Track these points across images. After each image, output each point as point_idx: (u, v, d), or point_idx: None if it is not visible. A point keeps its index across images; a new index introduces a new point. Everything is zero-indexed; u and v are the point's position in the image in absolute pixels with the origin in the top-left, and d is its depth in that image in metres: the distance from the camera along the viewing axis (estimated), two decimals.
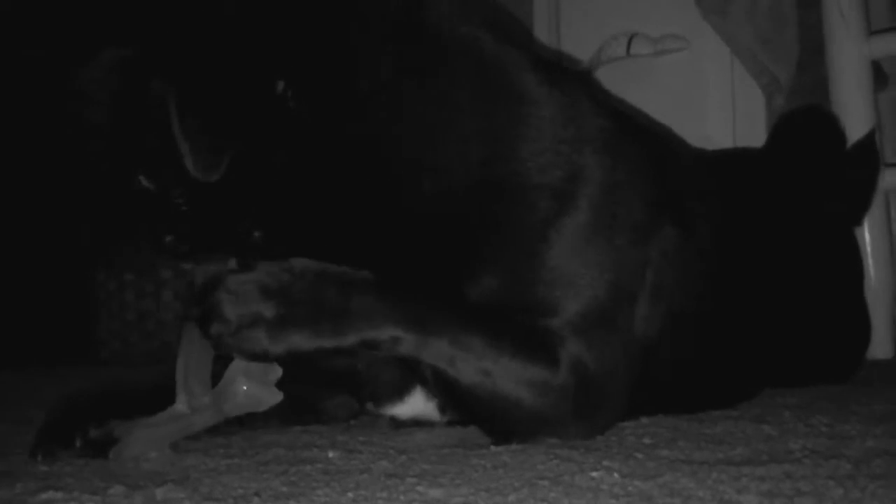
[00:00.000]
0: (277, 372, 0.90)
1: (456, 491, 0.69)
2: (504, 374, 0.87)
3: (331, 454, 0.87)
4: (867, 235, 1.74)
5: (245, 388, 0.89)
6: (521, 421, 0.88)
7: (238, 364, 0.89)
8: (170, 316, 1.93)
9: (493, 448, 0.87)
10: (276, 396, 0.90)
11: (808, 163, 1.28)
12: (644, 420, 1.02)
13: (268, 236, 0.90)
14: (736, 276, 1.13)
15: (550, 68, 0.98)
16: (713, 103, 2.08)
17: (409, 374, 0.96)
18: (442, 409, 1.00)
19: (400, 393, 1.00)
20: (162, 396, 0.93)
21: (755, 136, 1.98)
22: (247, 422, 1.04)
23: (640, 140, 1.03)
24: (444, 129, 0.89)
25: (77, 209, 1.79)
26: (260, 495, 0.70)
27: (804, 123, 1.46)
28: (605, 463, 0.77)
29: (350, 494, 0.69)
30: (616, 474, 0.72)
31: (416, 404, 1.00)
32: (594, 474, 0.72)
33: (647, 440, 0.91)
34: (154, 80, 0.84)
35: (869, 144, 1.50)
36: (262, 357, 0.85)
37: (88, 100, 0.93)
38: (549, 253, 0.89)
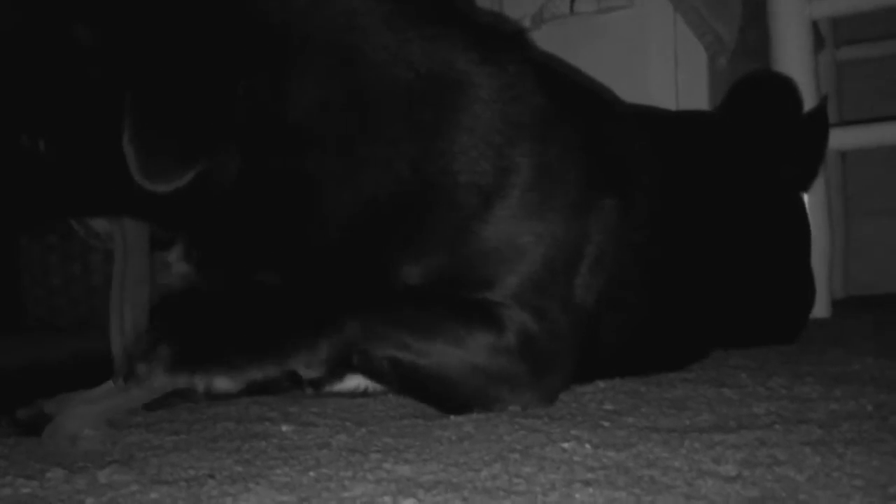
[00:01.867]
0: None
1: (424, 467, 0.66)
2: (459, 347, 0.85)
3: (284, 428, 0.83)
4: (807, 198, 1.76)
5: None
6: (479, 390, 0.86)
7: None
8: (98, 279, 1.84)
9: (453, 418, 0.84)
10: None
11: (763, 127, 1.28)
12: (601, 384, 1.01)
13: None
14: (684, 239, 1.12)
15: (487, 40, 0.93)
16: (656, 63, 2.06)
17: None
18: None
19: (340, 375, 0.96)
20: (95, 367, 0.87)
21: (697, 95, 1.97)
22: (188, 393, 0.99)
23: (579, 111, 1.00)
24: (365, 133, 0.85)
25: None
26: (214, 476, 0.66)
27: (761, 87, 1.45)
28: (574, 432, 0.75)
29: (312, 474, 0.65)
30: (588, 445, 0.70)
31: (358, 380, 0.97)
32: (565, 445, 0.70)
33: (608, 406, 0.89)
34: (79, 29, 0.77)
35: (821, 110, 1.51)
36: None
37: None
38: (480, 239, 0.88)
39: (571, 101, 1.00)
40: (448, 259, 0.88)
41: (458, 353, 0.85)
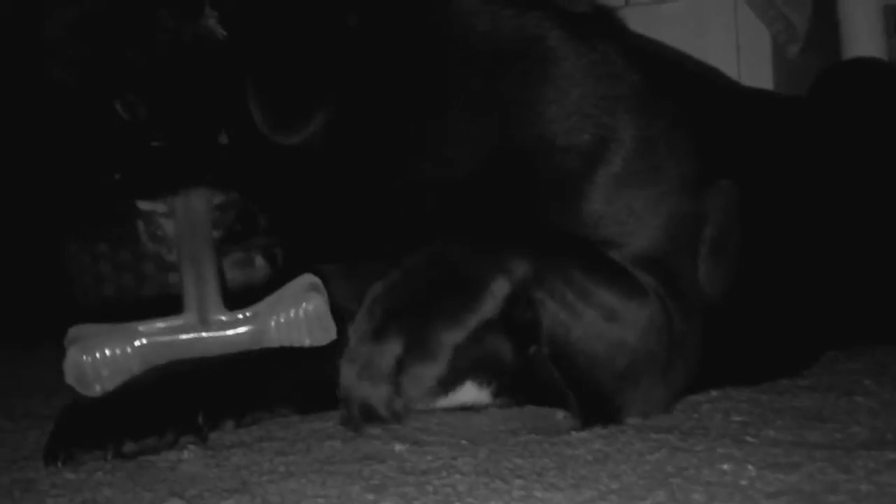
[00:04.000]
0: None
1: (579, 494, 0.60)
2: (608, 310, 0.78)
3: (397, 448, 0.77)
4: None
5: (316, 304, 0.76)
6: (620, 372, 0.79)
7: (304, 281, 0.78)
8: (151, 290, 1.79)
9: (574, 434, 0.79)
10: (334, 333, 0.78)
11: (863, 115, 1.21)
12: (713, 393, 0.95)
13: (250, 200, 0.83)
14: (796, 230, 1.05)
15: (574, 20, 0.90)
16: (716, 53, 1.99)
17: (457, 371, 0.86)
18: (496, 393, 0.92)
19: (446, 389, 0.91)
20: (205, 392, 0.83)
21: (761, 87, 1.91)
22: (259, 406, 0.93)
23: (680, 87, 0.95)
24: (453, 102, 0.83)
25: (40, 174, 1.64)
26: None
27: (860, 76, 1.38)
28: (721, 450, 0.69)
29: None
30: (749, 466, 0.64)
31: (466, 394, 0.92)
32: (724, 467, 0.64)
33: (736, 417, 0.83)
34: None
35: None
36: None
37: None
38: (584, 201, 0.83)
39: (669, 78, 0.95)
40: (553, 220, 0.82)
41: (611, 322, 0.78)
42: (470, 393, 0.91)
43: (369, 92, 0.82)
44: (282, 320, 0.77)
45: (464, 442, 0.79)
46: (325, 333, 0.78)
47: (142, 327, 0.78)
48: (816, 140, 1.14)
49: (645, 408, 0.82)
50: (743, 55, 1.98)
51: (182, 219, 0.86)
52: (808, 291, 1.07)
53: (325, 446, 0.79)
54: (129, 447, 0.77)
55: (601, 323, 0.78)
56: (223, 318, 0.78)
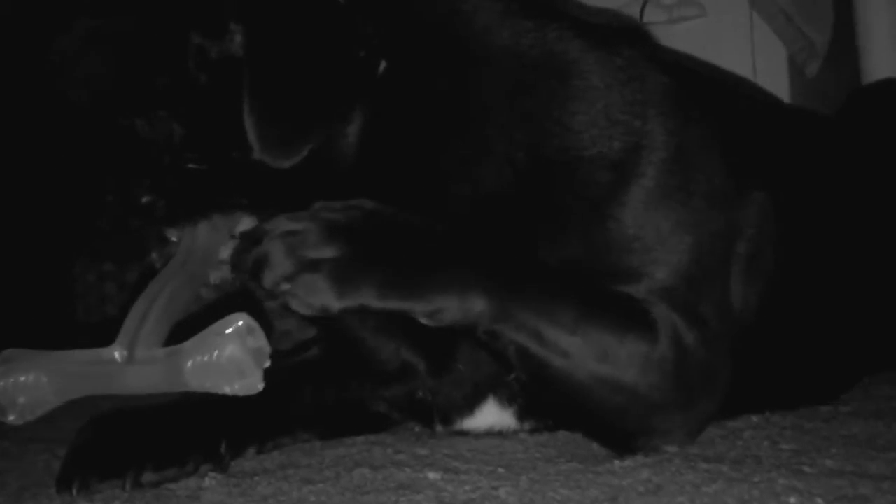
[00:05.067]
0: (267, 360, 0.73)
1: None
2: (604, 352, 0.74)
3: (431, 475, 0.73)
4: None
5: (232, 349, 0.70)
6: (620, 412, 0.75)
7: (228, 324, 0.72)
8: None
9: (618, 463, 0.75)
10: (258, 379, 0.71)
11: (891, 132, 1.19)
12: (753, 419, 0.91)
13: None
14: (834, 249, 1.02)
15: (597, 30, 0.87)
16: (732, 71, 1.98)
17: (478, 385, 0.85)
18: (520, 416, 0.88)
19: (470, 406, 0.87)
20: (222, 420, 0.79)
21: None
22: (281, 431, 0.89)
23: (712, 96, 0.92)
24: (476, 120, 0.80)
25: (48, 193, 1.60)
26: None
27: (890, 93, 1.36)
28: (782, 482, 0.65)
29: None
30: (819, 499, 0.60)
31: (490, 415, 0.88)
32: (792, 500, 0.60)
33: (785, 446, 0.79)
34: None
35: None
36: (323, 311, 0.70)
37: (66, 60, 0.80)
38: (613, 224, 0.78)
39: (699, 88, 0.92)
40: (581, 242, 0.78)
41: (602, 360, 0.73)
42: (493, 413, 0.87)
43: (393, 112, 0.79)
44: (198, 363, 0.71)
45: (501, 470, 0.74)
46: (242, 382, 0.71)
47: (65, 356, 0.74)
48: (854, 159, 1.11)
49: (664, 439, 0.77)
50: (759, 74, 1.95)
51: (183, 248, 0.83)
52: (844, 313, 1.03)
53: (354, 474, 0.75)
54: (148, 477, 0.73)
55: (587, 362, 0.73)
56: (145, 354, 0.72)
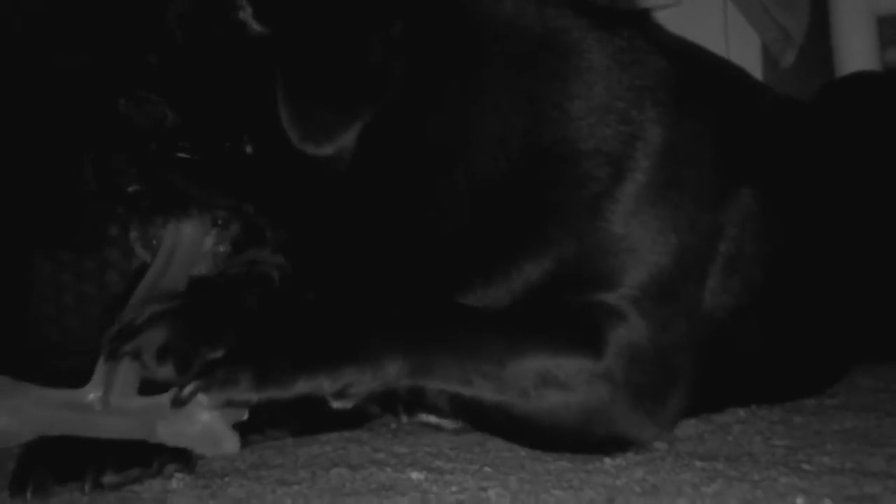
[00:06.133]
0: (244, 414, 0.71)
1: None
2: (541, 377, 0.72)
3: (415, 476, 0.69)
4: None
5: (208, 417, 0.68)
6: (573, 430, 0.73)
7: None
8: (114, 300, 1.69)
9: (608, 461, 0.72)
10: (235, 444, 0.70)
11: (872, 125, 1.17)
12: (741, 413, 0.89)
13: (263, 215, 0.77)
14: (819, 238, 1.00)
15: (599, 12, 0.84)
16: None
17: None
18: None
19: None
20: None
21: None
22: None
23: (710, 85, 0.90)
24: (472, 100, 0.76)
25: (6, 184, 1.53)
26: None
27: (867, 87, 1.34)
28: (784, 480, 0.62)
29: None
30: (828, 500, 0.57)
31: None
32: (800, 501, 0.57)
33: (778, 442, 0.77)
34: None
35: None
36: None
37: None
38: (605, 223, 0.76)
39: (700, 74, 0.89)
40: (573, 241, 0.75)
41: (541, 386, 0.71)
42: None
43: (399, 98, 0.74)
44: (170, 427, 0.69)
45: (487, 469, 0.71)
46: (215, 447, 0.70)
47: (40, 397, 0.70)
48: (837, 150, 1.09)
49: (636, 438, 0.75)
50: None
51: (167, 244, 0.80)
52: (828, 305, 1.01)
53: (331, 474, 0.71)
54: (109, 479, 0.68)
55: (526, 392, 0.71)
56: (119, 403, 0.69)
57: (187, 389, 0.65)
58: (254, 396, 0.66)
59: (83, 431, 0.69)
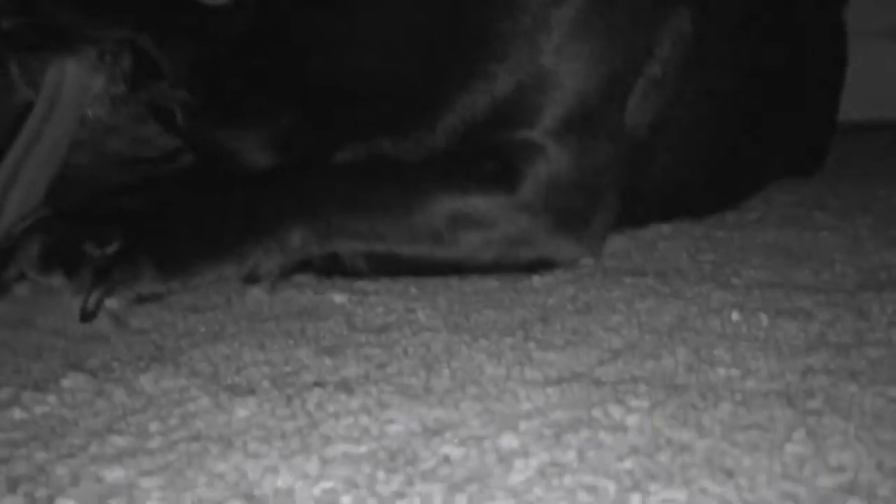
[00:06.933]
0: None
1: (584, 355, 0.51)
2: (455, 218, 0.70)
3: (337, 299, 0.66)
4: None
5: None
6: (501, 259, 0.72)
7: None
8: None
9: (536, 279, 0.70)
10: None
11: None
12: (665, 230, 0.88)
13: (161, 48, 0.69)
14: (742, 59, 0.97)
15: None
16: None
17: None
18: None
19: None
20: None
21: None
22: None
23: None
24: None
25: None
26: (322, 383, 0.49)
27: None
28: (717, 295, 0.62)
29: (445, 371, 0.50)
30: (763, 315, 0.56)
31: None
32: (735, 317, 0.56)
33: (705, 257, 0.76)
34: None
35: None
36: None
37: None
38: (539, 54, 0.72)
39: None
40: (511, 76, 0.71)
41: (456, 228, 0.69)
42: None
43: None
44: None
45: (413, 290, 0.68)
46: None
47: None
48: None
49: (567, 258, 0.74)
50: None
51: (50, 82, 0.71)
52: (747, 122, 1.00)
53: (247, 300, 0.66)
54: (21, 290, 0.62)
55: (444, 235, 0.69)
56: None
57: (91, 300, 0.58)
58: (162, 288, 0.60)
59: None
